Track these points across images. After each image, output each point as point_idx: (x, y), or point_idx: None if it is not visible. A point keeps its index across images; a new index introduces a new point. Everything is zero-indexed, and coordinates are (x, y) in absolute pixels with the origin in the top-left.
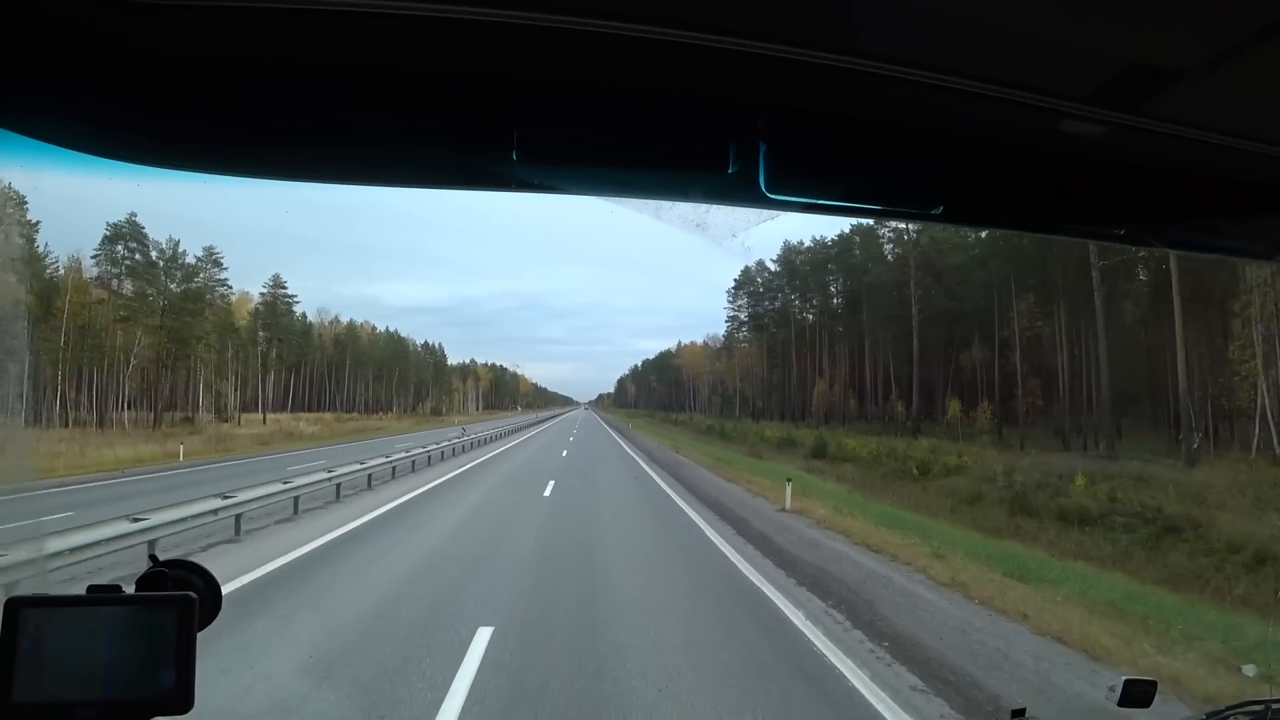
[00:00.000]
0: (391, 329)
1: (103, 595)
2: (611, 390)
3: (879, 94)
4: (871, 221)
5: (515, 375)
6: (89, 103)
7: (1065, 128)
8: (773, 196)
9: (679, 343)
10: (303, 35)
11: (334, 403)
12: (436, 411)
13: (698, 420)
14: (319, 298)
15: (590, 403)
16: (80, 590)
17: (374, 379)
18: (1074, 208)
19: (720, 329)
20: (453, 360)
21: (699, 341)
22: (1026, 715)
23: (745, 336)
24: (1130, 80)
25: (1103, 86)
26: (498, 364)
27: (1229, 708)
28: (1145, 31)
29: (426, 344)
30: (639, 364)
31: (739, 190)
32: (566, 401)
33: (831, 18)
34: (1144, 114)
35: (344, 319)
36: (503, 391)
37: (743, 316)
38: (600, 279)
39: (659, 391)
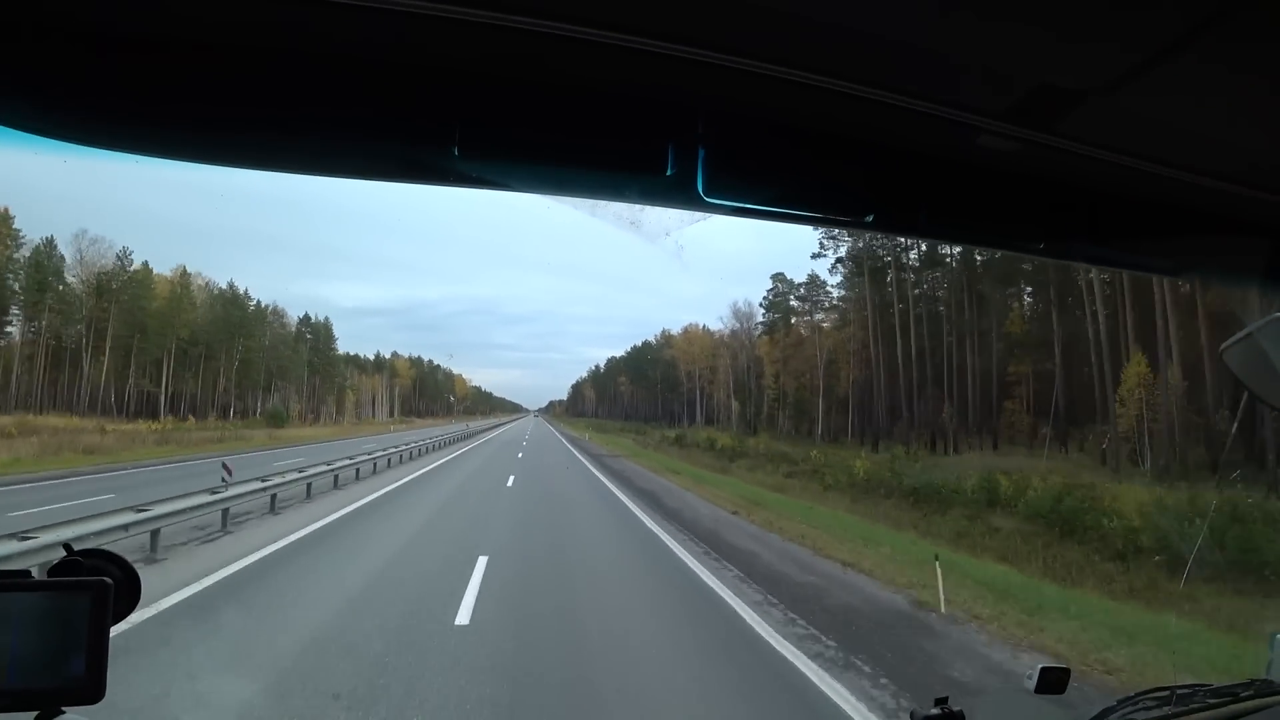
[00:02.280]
0: (229, 285)
1: (10, 580)
2: (564, 397)
3: (814, 103)
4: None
5: (449, 374)
6: (14, 76)
7: (983, 142)
8: (710, 200)
9: (664, 331)
10: (242, 17)
11: (96, 398)
12: (278, 420)
13: (761, 446)
14: (270, 296)
15: (540, 410)
16: None
17: (176, 359)
18: (995, 220)
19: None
20: (367, 352)
21: (703, 325)
22: (948, 703)
23: (839, 298)
24: (1039, 99)
25: (1015, 104)
26: (429, 359)
27: (1138, 693)
28: (1048, 53)
29: (307, 318)
30: (599, 364)
31: (676, 192)
32: (515, 409)
33: (769, 29)
34: (1055, 132)
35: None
36: (432, 394)
37: (839, 254)
38: (554, 287)
39: (632, 396)
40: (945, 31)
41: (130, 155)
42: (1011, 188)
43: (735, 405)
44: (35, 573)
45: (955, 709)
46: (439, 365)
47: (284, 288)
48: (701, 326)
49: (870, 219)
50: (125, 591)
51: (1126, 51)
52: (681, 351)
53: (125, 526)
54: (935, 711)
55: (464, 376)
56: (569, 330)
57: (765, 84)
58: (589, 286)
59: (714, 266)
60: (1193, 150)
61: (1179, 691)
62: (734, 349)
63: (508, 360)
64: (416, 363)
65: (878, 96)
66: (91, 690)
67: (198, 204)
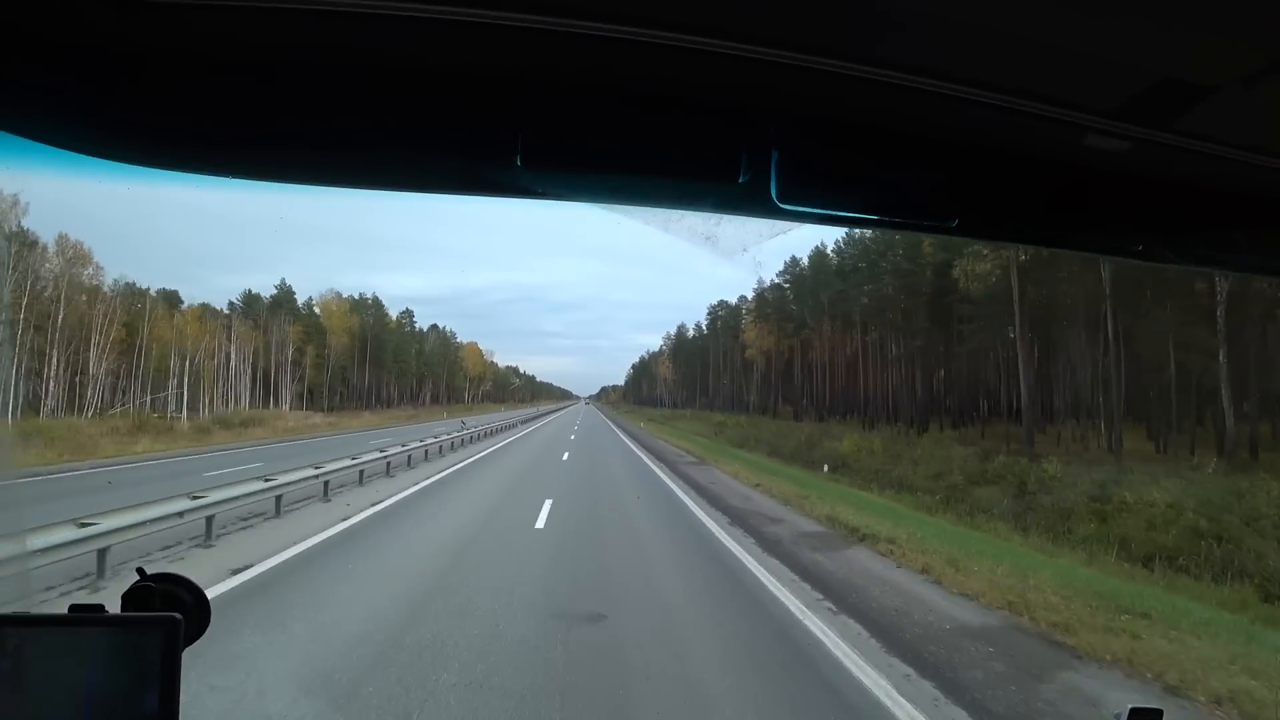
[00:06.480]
0: None
1: (85, 615)
2: (619, 382)
3: (897, 104)
4: None
5: (447, 338)
6: (82, 101)
7: (1089, 142)
8: (784, 207)
9: None
10: (301, 35)
11: None
12: None
13: None
14: (321, 287)
15: (592, 397)
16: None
17: None
18: (1091, 222)
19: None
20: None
21: None
22: None
23: None
24: (1161, 95)
25: (1131, 100)
26: (405, 312)
27: None
28: (1178, 45)
29: None
30: (686, 324)
31: (749, 200)
32: (564, 395)
33: (848, 24)
34: (1174, 130)
35: None
36: (410, 369)
37: None
38: (600, 273)
39: (772, 367)
40: (1059, 21)
41: (194, 177)
42: (1113, 188)
43: None
44: (108, 606)
45: None
46: (437, 326)
47: (334, 279)
48: None
49: (955, 224)
50: (196, 617)
51: (1261, 47)
52: None
53: None
54: None
55: (478, 345)
56: (615, 316)
57: (843, 84)
58: (634, 271)
59: (778, 267)
60: None
61: None
62: None
63: (556, 348)
64: (364, 307)
65: (972, 95)
66: None
67: (248, 206)
